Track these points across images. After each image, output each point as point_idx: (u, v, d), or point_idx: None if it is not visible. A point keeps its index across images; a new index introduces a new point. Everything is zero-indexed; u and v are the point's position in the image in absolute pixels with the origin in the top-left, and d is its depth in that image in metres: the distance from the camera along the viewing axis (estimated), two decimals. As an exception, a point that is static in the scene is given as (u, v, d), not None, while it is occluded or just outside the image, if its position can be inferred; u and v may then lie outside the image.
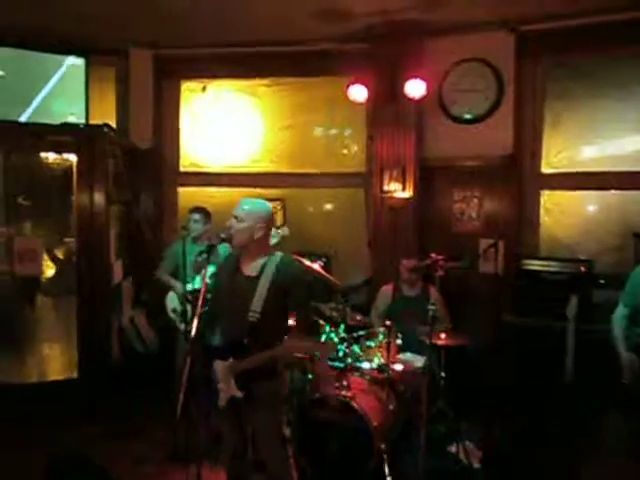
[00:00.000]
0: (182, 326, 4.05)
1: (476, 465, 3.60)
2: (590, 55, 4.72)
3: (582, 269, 4.33)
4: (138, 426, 4.20)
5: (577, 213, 4.92)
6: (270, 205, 2.74)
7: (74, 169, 4.44)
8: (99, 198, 4.46)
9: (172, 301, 4.27)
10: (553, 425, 3.77)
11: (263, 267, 2.60)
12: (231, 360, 2.56)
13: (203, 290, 2.45)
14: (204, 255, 2.50)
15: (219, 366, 2.59)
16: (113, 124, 5.03)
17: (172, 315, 4.23)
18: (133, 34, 5.13)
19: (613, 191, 4.70)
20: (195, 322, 2.45)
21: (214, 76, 5.65)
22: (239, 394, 2.56)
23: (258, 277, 2.58)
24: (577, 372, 3.80)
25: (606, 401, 3.48)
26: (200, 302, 2.45)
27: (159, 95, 5.58)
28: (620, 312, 3.20)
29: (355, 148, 5.49)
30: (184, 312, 3.71)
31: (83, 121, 4.83)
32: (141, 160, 5.32)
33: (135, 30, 5.02)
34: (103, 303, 4.56)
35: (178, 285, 4.16)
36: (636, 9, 4.23)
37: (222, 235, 2.56)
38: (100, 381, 4.47)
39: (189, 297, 3.98)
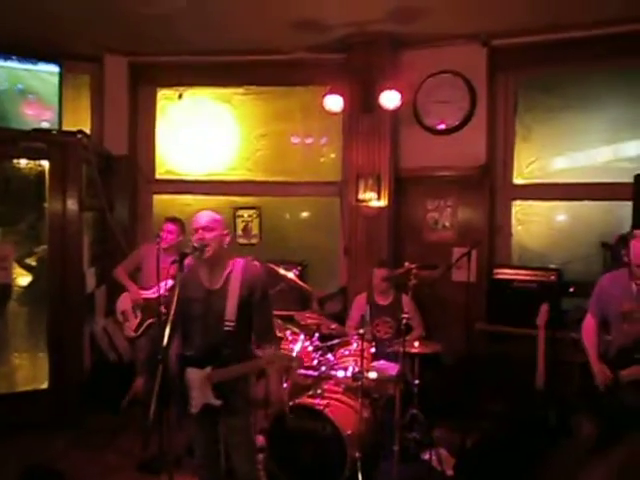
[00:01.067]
0: (127, 331, 4.07)
1: (449, 472, 3.63)
2: (559, 69, 4.86)
3: (552, 278, 4.43)
4: (109, 436, 4.14)
5: (548, 223, 5.03)
6: None
7: (46, 175, 4.37)
8: (72, 205, 4.40)
9: (124, 302, 4.24)
10: (525, 431, 3.82)
11: (229, 277, 2.63)
12: (209, 369, 2.56)
13: (175, 299, 2.44)
14: (176, 264, 2.49)
15: (194, 374, 2.59)
16: (87, 131, 4.98)
17: (120, 317, 4.22)
18: (108, 41, 5.10)
19: (583, 202, 4.81)
20: (167, 330, 2.44)
21: (190, 84, 5.65)
22: (217, 402, 2.57)
23: (225, 287, 2.61)
24: (548, 378, 3.87)
25: (577, 407, 3.55)
26: (173, 310, 2.43)
27: (134, 102, 5.55)
28: (588, 322, 3.27)
29: (331, 157, 5.53)
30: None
31: (56, 127, 4.77)
32: (116, 167, 5.27)
33: (110, 37, 4.99)
34: (75, 312, 4.47)
35: (134, 288, 4.18)
36: (603, 27, 4.38)
37: (195, 245, 2.56)
38: (71, 391, 4.39)
39: (140, 305, 4.11)
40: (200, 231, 2.59)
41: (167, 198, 5.71)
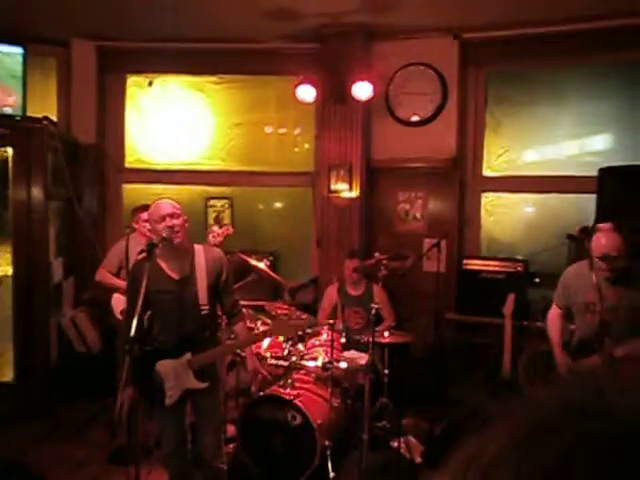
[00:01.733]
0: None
1: (418, 459, 3.70)
2: (529, 64, 4.93)
3: (519, 268, 4.52)
4: (78, 429, 4.09)
5: (516, 215, 5.13)
6: None
7: (10, 163, 4.26)
8: (37, 193, 4.30)
9: (120, 302, 4.17)
10: (492, 419, 3.91)
11: (192, 263, 2.66)
12: (188, 355, 2.60)
13: (144, 290, 2.42)
14: (144, 254, 2.46)
15: (167, 365, 2.59)
16: (54, 117, 4.85)
17: (120, 316, 4.14)
18: (75, 24, 4.96)
19: (550, 194, 4.91)
20: (134, 322, 2.41)
21: (161, 71, 5.55)
22: (202, 385, 2.63)
23: (192, 274, 2.64)
24: (514, 367, 3.97)
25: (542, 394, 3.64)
26: (140, 302, 2.41)
27: (103, 89, 5.42)
28: (554, 312, 3.35)
29: (304, 147, 5.52)
30: None
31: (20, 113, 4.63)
32: (84, 155, 5.15)
33: (77, 20, 4.85)
34: (42, 303, 4.39)
35: (124, 285, 4.08)
36: (572, 22, 4.46)
37: (164, 234, 2.54)
38: (38, 384, 4.31)
39: None
40: (167, 219, 2.57)
41: (137, 187, 5.61)
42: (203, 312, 2.63)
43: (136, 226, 4.05)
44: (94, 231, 4.96)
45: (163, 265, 2.65)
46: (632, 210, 3.76)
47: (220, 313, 2.92)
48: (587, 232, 2.77)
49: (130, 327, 2.30)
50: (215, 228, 3.78)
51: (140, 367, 2.50)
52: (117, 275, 4.16)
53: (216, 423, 2.81)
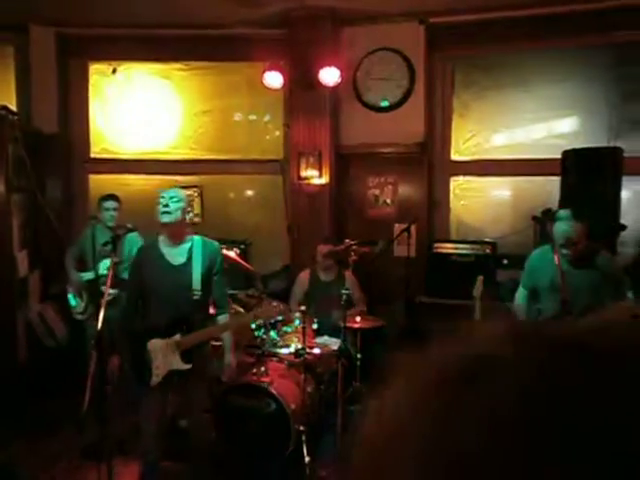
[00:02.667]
0: (79, 317, 4.00)
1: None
2: (495, 47, 4.97)
3: (487, 251, 4.60)
4: (50, 424, 4.03)
5: (484, 198, 5.20)
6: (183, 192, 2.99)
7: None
8: (-2, 186, 4.18)
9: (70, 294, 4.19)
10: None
11: (190, 251, 2.83)
12: (178, 336, 2.74)
13: (109, 281, 2.39)
14: (110, 246, 2.44)
15: (156, 344, 2.73)
16: (13, 107, 4.70)
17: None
18: (33, 9, 4.79)
19: (517, 177, 4.99)
20: (102, 312, 2.39)
21: (125, 58, 5.42)
22: (187, 366, 2.75)
23: (189, 261, 2.83)
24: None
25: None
26: (106, 291, 2.41)
27: (64, 77, 5.28)
28: (521, 293, 3.43)
29: (274, 134, 5.47)
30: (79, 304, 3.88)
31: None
32: (46, 146, 5.00)
33: (35, 4, 4.69)
34: (7, 298, 4.29)
35: (74, 275, 4.08)
36: (537, 6, 4.50)
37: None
38: (6, 380, 4.22)
39: (84, 286, 4.03)
40: (162, 207, 2.75)
41: (104, 178, 5.51)
42: (195, 297, 2.80)
43: (99, 216, 4.02)
44: (59, 222, 4.85)
45: (165, 251, 2.86)
46: (594, 191, 3.86)
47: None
48: (549, 215, 2.83)
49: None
50: None
51: (133, 344, 2.73)
52: (78, 263, 4.14)
53: (200, 406, 2.97)
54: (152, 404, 2.85)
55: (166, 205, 2.73)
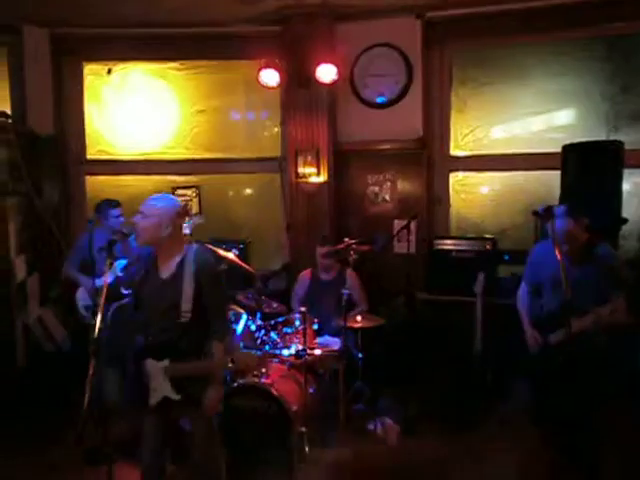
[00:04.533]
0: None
1: (394, 440, 3.74)
2: (493, 41, 4.92)
3: (488, 247, 4.56)
4: (49, 429, 4.01)
5: (484, 193, 5.17)
6: (177, 200, 2.65)
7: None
8: (-7, 189, 4.16)
9: (82, 298, 4.13)
10: (464, 396, 3.99)
11: (181, 265, 2.52)
12: (167, 362, 2.48)
13: (105, 288, 2.35)
14: (103, 252, 2.39)
15: (152, 366, 2.50)
16: (7, 109, 4.66)
17: (84, 312, 4.10)
18: (26, 9, 4.72)
19: (517, 172, 4.95)
20: (99, 318, 2.36)
21: (120, 58, 5.38)
22: (176, 396, 2.49)
23: (178, 276, 2.51)
24: (484, 344, 4.03)
25: (512, 370, 3.73)
26: (103, 299, 2.35)
27: (59, 78, 5.22)
28: (523, 289, 3.41)
29: (272, 132, 5.43)
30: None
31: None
32: (42, 148, 4.96)
33: (29, 5, 4.62)
34: (5, 303, 4.27)
35: (86, 280, 4.00)
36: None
37: (124, 230, 2.48)
38: (4, 385, 4.21)
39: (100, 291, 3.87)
40: (137, 215, 2.51)
41: (101, 179, 5.48)
42: (183, 319, 2.47)
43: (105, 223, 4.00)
44: (57, 225, 4.82)
45: (159, 262, 2.58)
46: (595, 185, 3.82)
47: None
48: (550, 211, 2.81)
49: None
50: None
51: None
52: (81, 269, 4.10)
53: (207, 438, 2.64)
54: (148, 428, 2.61)
55: (143, 205, 2.52)
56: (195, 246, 2.63)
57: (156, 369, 2.49)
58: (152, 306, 2.54)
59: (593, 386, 2.95)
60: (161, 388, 2.50)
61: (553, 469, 3.19)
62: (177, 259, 2.54)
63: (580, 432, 3.01)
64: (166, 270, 2.55)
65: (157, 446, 2.66)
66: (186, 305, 2.46)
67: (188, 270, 2.49)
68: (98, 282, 3.88)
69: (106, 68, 5.39)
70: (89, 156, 5.46)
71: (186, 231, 3.40)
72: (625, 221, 3.93)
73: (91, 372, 2.30)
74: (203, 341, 2.55)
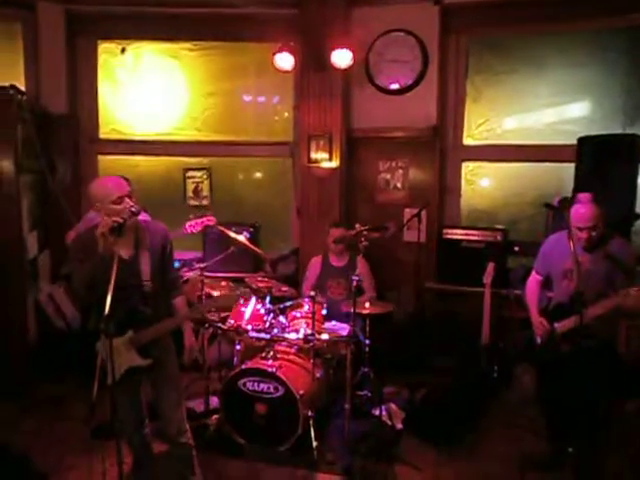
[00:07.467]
0: None
1: (399, 426, 3.77)
2: (510, 30, 4.86)
3: (498, 237, 4.56)
4: (59, 405, 4.07)
5: (495, 183, 5.14)
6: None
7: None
8: (7, 166, 4.17)
9: None
10: (470, 384, 4.00)
11: (137, 238, 2.61)
12: (130, 333, 2.55)
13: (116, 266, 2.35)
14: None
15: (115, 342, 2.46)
16: (22, 86, 4.66)
17: None
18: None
19: (530, 163, 4.92)
20: (109, 295, 2.36)
21: (134, 37, 5.35)
22: (146, 362, 2.58)
23: (137, 250, 2.61)
24: (493, 334, 4.04)
25: (520, 360, 3.74)
26: (114, 275, 2.34)
27: (73, 56, 5.21)
28: (533, 278, 3.41)
29: (284, 116, 5.41)
30: None
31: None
32: (56, 126, 4.96)
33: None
34: (16, 279, 4.31)
35: None
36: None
37: (133, 209, 2.49)
38: (15, 361, 4.26)
39: None
40: (126, 199, 2.52)
41: (113, 159, 5.48)
42: (145, 288, 2.59)
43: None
44: (68, 203, 4.84)
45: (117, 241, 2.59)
46: (610, 179, 3.79)
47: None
48: (567, 203, 2.79)
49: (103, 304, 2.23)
50: (191, 216, 3.78)
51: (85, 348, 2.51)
52: None
53: (174, 399, 2.75)
54: (121, 401, 2.57)
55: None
56: (144, 219, 2.72)
57: (116, 344, 2.47)
58: (115, 285, 2.43)
59: (597, 376, 2.96)
60: (123, 361, 2.53)
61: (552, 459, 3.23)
62: (134, 236, 2.62)
63: (583, 421, 3.02)
64: (126, 249, 2.59)
65: (136, 420, 2.75)
66: (146, 275, 2.59)
67: (144, 243, 2.63)
68: None
69: (120, 47, 5.38)
70: (102, 135, 5.46)
71: None
72: (638, 217, 3.91)
73: (102, 347, 2.32)
74: (164, 306, 2.72)
